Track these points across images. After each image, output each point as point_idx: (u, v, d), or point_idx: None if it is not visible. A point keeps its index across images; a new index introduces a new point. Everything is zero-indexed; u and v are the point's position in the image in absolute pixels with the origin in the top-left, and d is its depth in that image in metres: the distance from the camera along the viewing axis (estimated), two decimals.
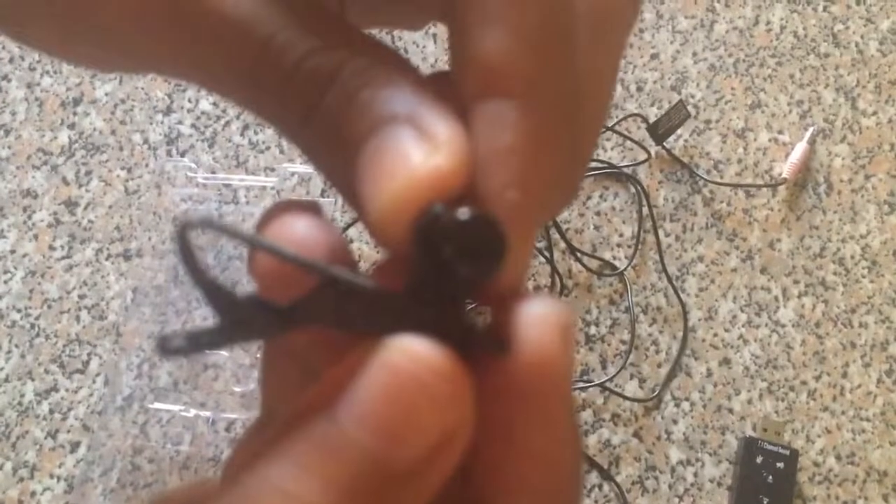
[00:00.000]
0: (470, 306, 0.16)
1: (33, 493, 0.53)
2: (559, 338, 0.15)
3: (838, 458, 0.57)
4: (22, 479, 0.53)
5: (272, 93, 0.16)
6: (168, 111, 0.61)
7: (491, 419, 0.16)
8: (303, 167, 0.59)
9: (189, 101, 0.61)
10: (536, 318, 0.15)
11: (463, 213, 0.15)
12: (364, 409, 0.14)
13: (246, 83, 0.16)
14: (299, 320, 0.15)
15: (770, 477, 0.55)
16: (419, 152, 0.15)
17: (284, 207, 0.16)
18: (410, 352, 0.14)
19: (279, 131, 0.17)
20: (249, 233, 0.15)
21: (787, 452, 0.55)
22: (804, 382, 0.59)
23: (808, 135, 0.63)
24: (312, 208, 0.17)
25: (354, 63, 0.16)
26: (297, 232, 0.16)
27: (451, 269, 0.15)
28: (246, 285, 0.48)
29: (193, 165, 0.59)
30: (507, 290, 0.16)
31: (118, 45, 0.17)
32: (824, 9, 0.67)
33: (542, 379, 0.15)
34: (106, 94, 0.61)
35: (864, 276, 0.61)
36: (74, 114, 0.61)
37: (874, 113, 0.65)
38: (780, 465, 0.55)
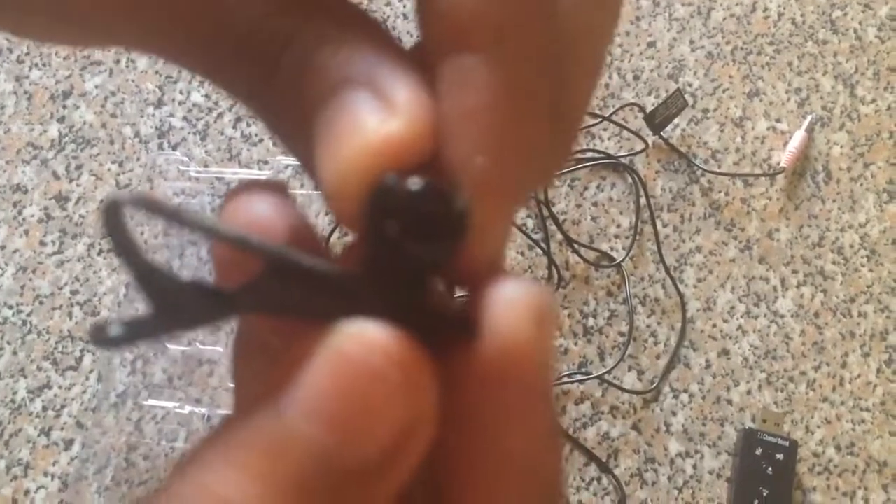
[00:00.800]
0: (446, 290, 0.15)
1: (27, 492, 0.53)
2: (532, 322, 0.14)
3: (838, 448, 0.57)
4: (16, 478, 0.53)
5: (227, 58, 0.15)
6: (159, 104, 0.60)
7: (459, 414, 0.14)
8: (293, 160, 0.58)
9: (180, 93, 0.61)
10: (507, 300, 0.14)
11: (413, 183, 0.13)
12: (310, 400, 0.13)
13: (199, 47, 0.15)
14: (244, 306, 0.14)
15: (770, 468, 0.55)
16: (374, 117, 0.13)
17: (246, 188, 0.15)
18: (360, 337, 0.13)
19: (236, 98, 0.16)
20: (186, 213, 0.13)
21: (787, 443, 0.55)
22: (803, 373, 0.58)
23: (806, 123, 0.62)
24: (276, 188, 0.15)
25: (313, 24, 0.14)
26: (254, 212, 0.15)
27: (403, 247, 0.13)
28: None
29: (185, 159, 0.59)
30: (479, 273, 0.14)
31: (67, 13, 0.16)
32: None
33: (511, 368, 0.14)
34: (96, 87, 0.60)
35: (863, 266, 0.61)
36: (64, 107, 0.60)
37: (873, 100, 0.64)
38: (779, 456, 0.55)
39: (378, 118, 0.13)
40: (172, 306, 0.14)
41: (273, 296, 0.14)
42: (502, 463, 0.14)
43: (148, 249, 0.56)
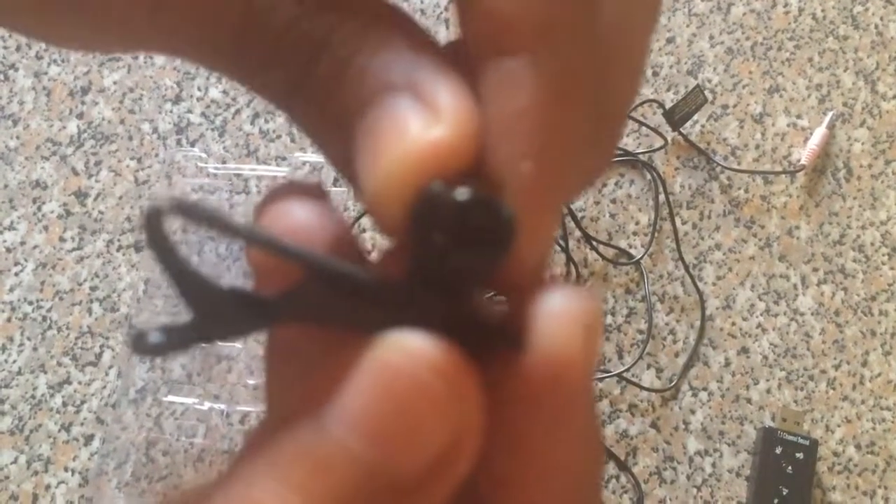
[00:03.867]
0: (486, 297, 0.15)
1: (48, 487, 0.53)
2: (581, 335, 0.13)
3: (858, 447, 0.57)
4: (36, 473, 0.53)
5: (258, 61, 0.15)
6: (177, 100, 0.60)
7: (502, 427, 0.14)
8: (315, 156, 0.58)
9: (198, 89, 0.61)
10: (556, 311, 0.13)
11: (460, 193, 0.13)
12: (354, 412, 0.12)
13: (229, 51, 0.15)
14: (286, 315, 0.14)
15: (789, 467, 0.54)
16: (417, 123, 0.13)
17: (284, 191, 0.15)
18: (406, 347, 0.13)
19: (270, 102, 0.16)
20: (227, 220, 0.13)
21: (807, 442, 0.55)
22: (823, 371, 0.58)
23: (827, 119, 0.62)
24: (315, 192, 0.15)
25: (348, 26, 0.14)
26: (294, 218, 0.14)
27: (449, 257, 0.13)
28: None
29: (203, 155, 0.59)
30: (524, 280, 0.14)
31: (94, 17, 0.15)
32: None
33: (559, 381, 0.13)
34: (114, 83, 0.60)
35: (884, 263, 0.60)
36: (83, 103, 0.60)
37: (894, 96, 0.64)
38: (799, 455, 0.55)
39: (422, 124, 0.13)
40: (213, 314, 0.13)
41: (314, 305, 0.14)
42: (548, 476, 0.14)
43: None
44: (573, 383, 0.13)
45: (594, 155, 0.15)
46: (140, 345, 0.13)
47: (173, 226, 0.54)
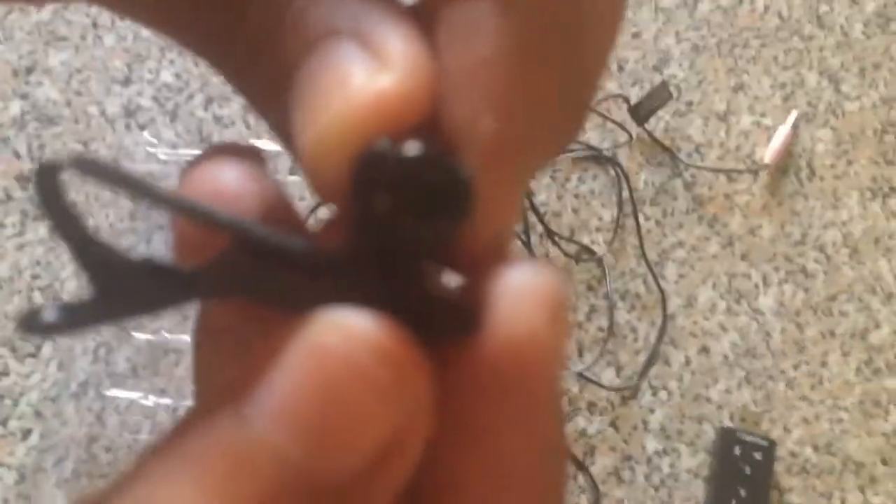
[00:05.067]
0: (438, 273, 0.13)
1: None
2: (546, 314, 0.12)
3: (816, 448, 0.56)
4: None
5: (187, 6, 0.13)
6: (127, 82, 0.58)
7: (453, 421, 0.12)
8: (270, 144, 0.56)
9: (149, 71, 0.58)
10: (518, 289, 0.12)
11: (409, 148, 0.11)
12: (279, 402, 0.11)
13: None
14: (206, 289, 0.12)
15: (747, 468, 0.54)
16: (362, 71, 0.11)
17: (214, 153, 0.13)
18: (341, 327, 0.11)
19: (198, 56, 0.14)
20: (136, 180, 0.11)
21: (765, 443, 0.54)
22: (783, 371, 0.58)
23: (791, 119, 0.62)
24: (247, 153, 0.13)
25: None
26: (221, 181, 0.13)
27: (395, 224, 0.11)
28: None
29: (154, 140, 0.56)
30: (482, 255, 0.12)
31: None
32: None
33: (520, 367, 0.12)
34: (61, 63, 0.58)
35: (844, 264, 0.60)
36: (27, 83, 0.57)
37: (858, 97, 0.64)
38: (757, 455, 0.54)
39: (367, 72, 0.11)
40: (120, 288, 0.12)
41: (240, 277, 0.12)
42: (503, 474, 0.12)
43: (103, 230, 0.54)
44: (535, 371, 0.12)
45: (562, 120, 0.13)
46: (31, 324, 0.11)
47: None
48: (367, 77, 0.11)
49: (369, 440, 0.11)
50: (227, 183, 0.13)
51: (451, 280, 0.12)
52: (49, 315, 0.11)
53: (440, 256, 0.12)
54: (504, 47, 0.12)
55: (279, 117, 0.13)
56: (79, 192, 0.55)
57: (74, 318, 0.12)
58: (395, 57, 0.11)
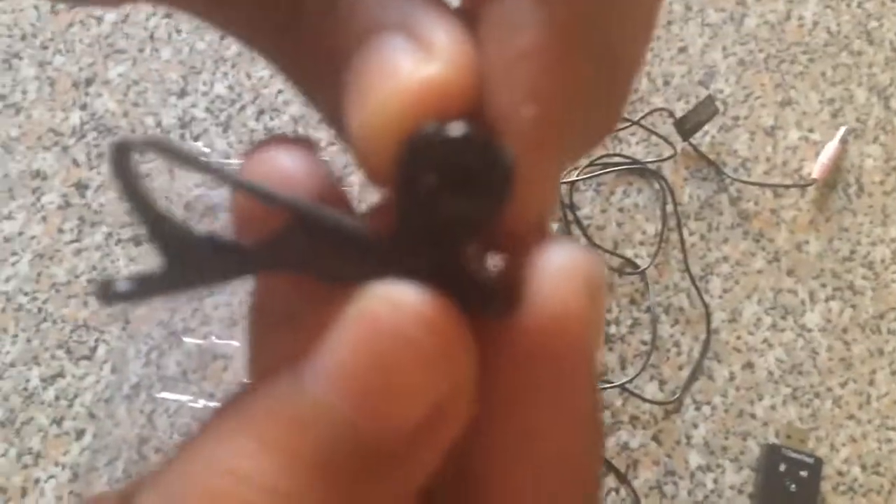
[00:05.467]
0: (481, 253, 0.13)
1: (37, 481, 0.52)
2: (583, 293, 0.12)
3: (863, 467, 0.56)
4: (26, 466, 0.52)
5: (241, 3, 0.14)
6: (182, 94, 0.60)
7: (494, 393, 0.13)
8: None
9: (204, 84, 0.60)
10: (556, 267, 0.12)
11: (454, 128, 0.12)
12: (334, 367, 0.11)
13: None
14: (264, 263, 0.13)
15: (793, 485, 0.53)
16: (409, 61, 0.12)
17: (272, 141, 0.14)
18: (391, 298, 0.12)
19: (252, 48, 0.15)
20: (204, 160, 0.12)
21: (811, 460, 0.54)
22: (829, 389, 0.57)
23: (839, 134, 0.61)
24: (303, 143, 0.14)
25: None
26: (279, 165, 0.13)
27: (439, 203, 0.12)
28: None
29: (207, 150, 0.58)
30: (522, 236, 0.13)
31: None
32: (858, 5, 0.65)
33: (558, 343, 0.12)
34: (119, 75, 0.60)
35: (893, 281, 0.59)
36: (87, 94, 0.59)
37: None
38: (803, 473, 0.53)
39: (414, 61, 0.12)
40: (186, 261, 0.13)
41: (296, 253, 0.13)
42: (538, 447, 0.13)
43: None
44: (572, 347, 0.12)
45: (600, 112, 0.14)
46: (106, 293, 0.12)
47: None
48: (414, 66, 0.12)
49: (416, 406, 0.12)
50: (285, 166, 0.13)
51: (493, 259, 0.13)
52: (122, 285, 0.12)
53: (482, 236, 0.13)
54: (543, 40, 0.12)
55: (331, 107, 0.13)
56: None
57: (144, 288, 0.12)
58: (440, 48, 0.12)
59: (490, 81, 0.12)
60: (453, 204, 0.12)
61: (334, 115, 0.13)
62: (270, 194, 0.12)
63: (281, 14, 0.13)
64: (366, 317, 0.12)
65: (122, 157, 0.12)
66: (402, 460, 0.12)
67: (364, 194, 0.52)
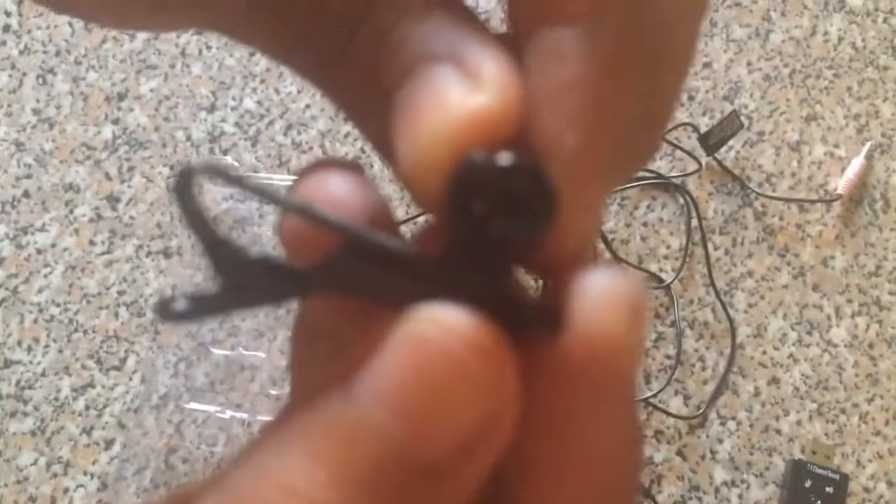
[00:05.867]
0: (523, 276, 0.14)
1: (66, 490, 0.53)
2: (624, 316, 0.12)
3: (890, 483, 0.55)
4: (56, 475, 0.53)
5: (296, 33, 0.14)
6: (212, 109, 0.61)
7: (537, 412, 0.13)
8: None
9: (233, 99, 0.61)
10: (598, 291, 0.13)
11: (503, 158, 0.12)
12: (384, 386, 0.12)
13: (266, 21, 0.14)
14: (316, 286, 0.13)
15: (818, 502, 0.53)
16: (458, 91, 0.12)
17: (321, 164, 0.14)
18: (441, 321, 0.12)
19: (304, 77, 0.15)
20: (261, 184, 0.13)
21: (837, 477, 0.53)
22: (856, 405, 0.57)
23: (865, 150, 0.61)
24: (352, 167, 0.14)
25: None
26: (330, 188, 0.14)
27: (487, 228, 0.12)
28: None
29: (236, 164, 0.59)
30: (565, 259, 0.13)
31: None
32: (884, 20, 0.65)
33: (599, 364, 0.12)
34: (150, 91, 0.61)
35: None
36: (119, 109, 0.60)
37: None
38: (829, 489, 0.53)
39: (463, 92, 0.12)
40: (241, 282, 0.13)
41: (347, 276, 0.13)
42: (578, 468, 0.13)
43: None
44: (614, 366, 0.13)
45: (642, 138, 0.14)
46: (166, 311, 0.13)
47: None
48: (463, 96, 0.12)
49: (462, 424, 0.12)
50: (336, 190, 0.14)
51: (538, 283, 0.13)
52: (180, 305, 0.13)
53: (528, 261, 0.13)
54: (588, 71, 0.13)
55: (381, 134, 0.14)
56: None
57: (201, 307, 0.13)
58: (487, 78, 0.13)
59: (536, 111, 0.13)
60: (501, 229, 0.12)
61: (381, 141, 0.14)
62: (324, 217, 0.13)
63: (333, 48, 0.14)
64: (415, 338, 0.12)
65: (184, 183, 0.12)
66: (447, 478, 0.12)
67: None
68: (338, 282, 0.13)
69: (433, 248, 0.13)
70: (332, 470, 0.12)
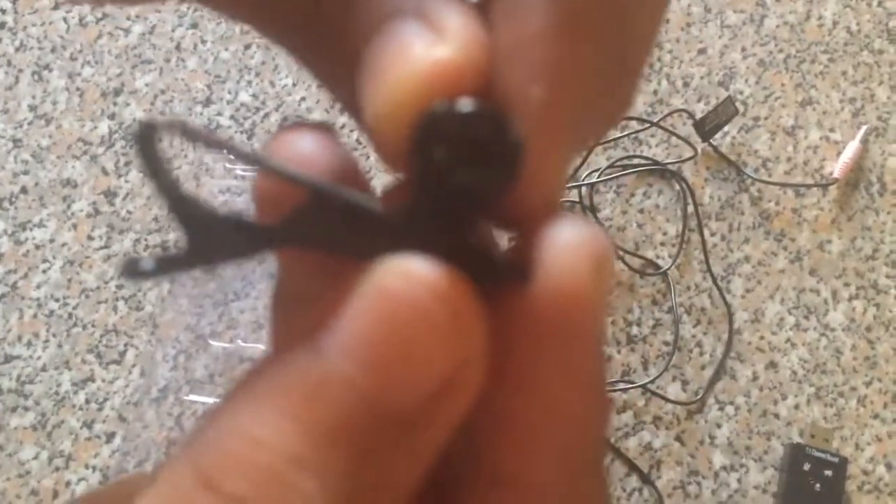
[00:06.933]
0: (493, 230, 0.14)
1: (68, 483, 0.53)
2: (590, 267, 0.13)
3: (889, 466, 0.55)
4: (57, 469, 0.53)
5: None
6: (207, 103, 0.61)
7: (506, 363, 0.13)
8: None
9: (229, 92, 0.61)
10: (565, 243, 0.13)
11: (463, 104, 0.12)
12: (350, 337, 0.12)
13: None
14: (282, 240, 0.13)
15: (818, 485, 0.53)
16: (422, 44, 0.13)
17: (292, 126, 0.15)
18: (404, 271, 0.12)
19: (275, 40, 0.15)
20: (225, 140, 0.13)
21: (836, 460, 0.53)
22: (854, 388, 0.57)
23: (860, 133, 0.61)
24: (322, 127, 0.15)
25: None
26: (299, 146, 0.14)
27: (450, 176, 0.13)
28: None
29: (231, 157, 0.59)
30: (533, 211, 0.13)
31: None
32: (879, 3, 0.65)
33: (565, 314, 0.13)
34: (146, 85, 0.61)
35: None
36: (115, 104, 0.61)
37: None
38: (828, 472, 0.53)
39: (426, 44, 0.13)
40: (207, 239, 0.13)
41: (313, 231, 0.13)
42: (546, 414, 0.13)
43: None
44: (580, 317, 0.13)
45: (610, 96, 0.15)
46: (131, 270, 0.13)
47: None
48: (426, 48, 0.13)
49: (429, 374, 0.12)
50: (305, 148, 0.14)
51: (504, 234, 0.14)
52: (146, 263, 0.13)
53: (494, 213, 0.13)
54: (551, 25, 0.13)
55: (350, 94, 0.14)
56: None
57: (167, 265, 0.13)
58: (451, 32, 0.13)
59: (500, 63, 0.13)
60: (463, 176, 0.13)
61: (353, 104, 0.14)
62: (288, 173, 0.13)
63: (301, 9, 0.14)
64: (380, 289, 0.12)
65: (146, 140, 0.12)
66: (416, 429, 0.12)
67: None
68: (304, 236, 0.13)
69: (401, 200, 0.13)
70: (301, 422, 0.12)
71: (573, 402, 0.13)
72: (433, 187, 0.13)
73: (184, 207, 0.13)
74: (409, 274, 0.12)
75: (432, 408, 0.12)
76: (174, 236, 0.57)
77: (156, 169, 0.13)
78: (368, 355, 0.12)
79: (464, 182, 0.13)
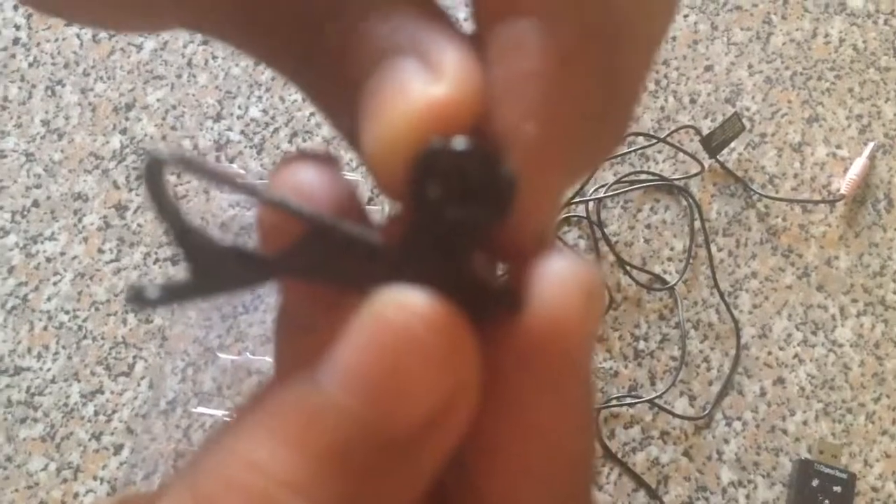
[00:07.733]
0: (487, 262, 0.14)
1: (76, 495, 0.53)
2: (581, 300, 0.13)
3: None
4: (65, 480, 0.53)
5: (267, 31, 0.15)
6: (218, 118, 0.61)
7: (497, 392, 0.14)
8: (349, 175, 0.59)
9: (239, 108, 0.62)
10: (556, 275, 0.13)
11: (458, 142, 0.13)
12: (346, 366, 0.12)
13: (238, 21, 0.15)
14: (283, 271, 0.14)
15: (826, 501, 0.53)
16: (419, 81, 0.13)
17: (295, 156, 0.15)
18: (399, 303, 0.12)
19: (279, 74, 0.16)
20: (228, 174, 0.13)
21: (845, 476, 0.53)
22: (862, 404, 0.57)
23: (867, 150, 0.61)
24: (325, 158, 0.15)
25: None
26: (298, 179, 0.14)
27: (445, 212, 0.13)
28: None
29: (242, 171, 0.59)
30: (525, 247, 0.14)
31: None
32: (885, 21, 0.66)
33: (555, 345, 0.13)
34: (157, 101, 0.62)
35: None
36: (126, 119, 0.61)
37: None
38: (836, 488, 0.53)
39: (423, 82, 0.13)
40: (211, 269, 0.13)
41: (313, 262, 0.14)
42: (534, 442, 0.14)
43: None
44: (570, 347, 0.13)
45: (602, 130, 0.15)
46: (137, 298, 0.13)
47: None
48: (423, 86, 0.13)
49: (423, 402, 0.12)
50: (306, 180, 0.14)
51: (497, 267, 0.14)
52: (152, 292, 0.13)
53: (487, 245, 0.14)
54: (545, 62, 0.13)
55: (349, 125, 0.14)
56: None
57: (172, 294, 0.13)
58: (447, 70, 0.13)
59: (495, 101, 0.13)
60: (457, 212, 0.13)
61: (352, 135, 0.14)
62: (289, 206, 0.13)
63: (303, 43, 0.14)
64: (375, 319, 0.12)
65: (153, 172, 0.13)
66: (410, 455, 0.13)
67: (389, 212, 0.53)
68: (304, 268, 0.14)
69: (397, 234, 0.14)
70: (299, 449, 0.12)
71: (561, 431, 0.14)
72: (429, 221, 0.13)
73: (188, 239, 0.13)
74: (404, 305, 0.12)
75: (424, 435, 0.13)
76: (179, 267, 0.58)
77: (162, 202, 0.13)
78: (364, 385, 0.12)
79: (458, 217, 0.13)
